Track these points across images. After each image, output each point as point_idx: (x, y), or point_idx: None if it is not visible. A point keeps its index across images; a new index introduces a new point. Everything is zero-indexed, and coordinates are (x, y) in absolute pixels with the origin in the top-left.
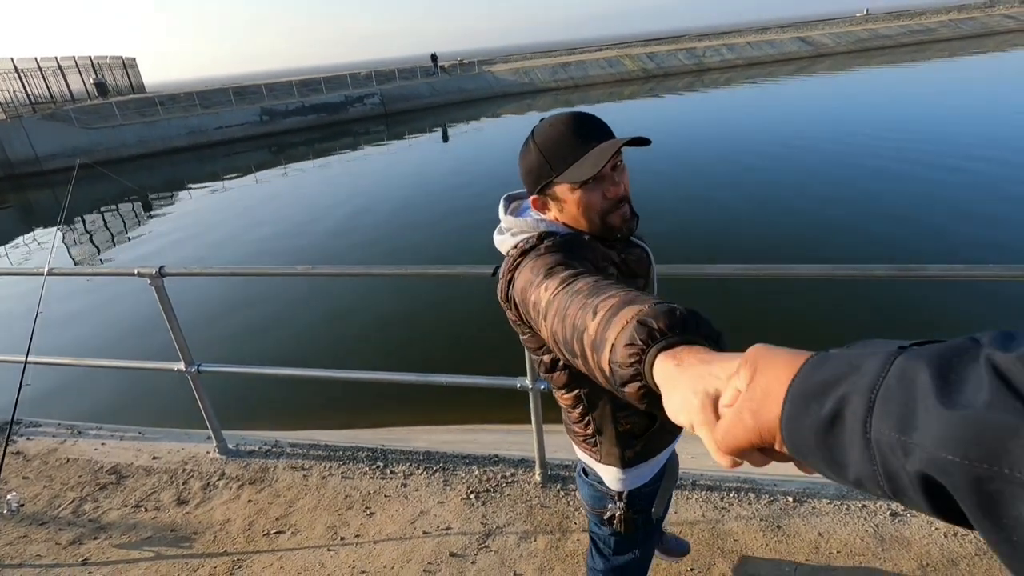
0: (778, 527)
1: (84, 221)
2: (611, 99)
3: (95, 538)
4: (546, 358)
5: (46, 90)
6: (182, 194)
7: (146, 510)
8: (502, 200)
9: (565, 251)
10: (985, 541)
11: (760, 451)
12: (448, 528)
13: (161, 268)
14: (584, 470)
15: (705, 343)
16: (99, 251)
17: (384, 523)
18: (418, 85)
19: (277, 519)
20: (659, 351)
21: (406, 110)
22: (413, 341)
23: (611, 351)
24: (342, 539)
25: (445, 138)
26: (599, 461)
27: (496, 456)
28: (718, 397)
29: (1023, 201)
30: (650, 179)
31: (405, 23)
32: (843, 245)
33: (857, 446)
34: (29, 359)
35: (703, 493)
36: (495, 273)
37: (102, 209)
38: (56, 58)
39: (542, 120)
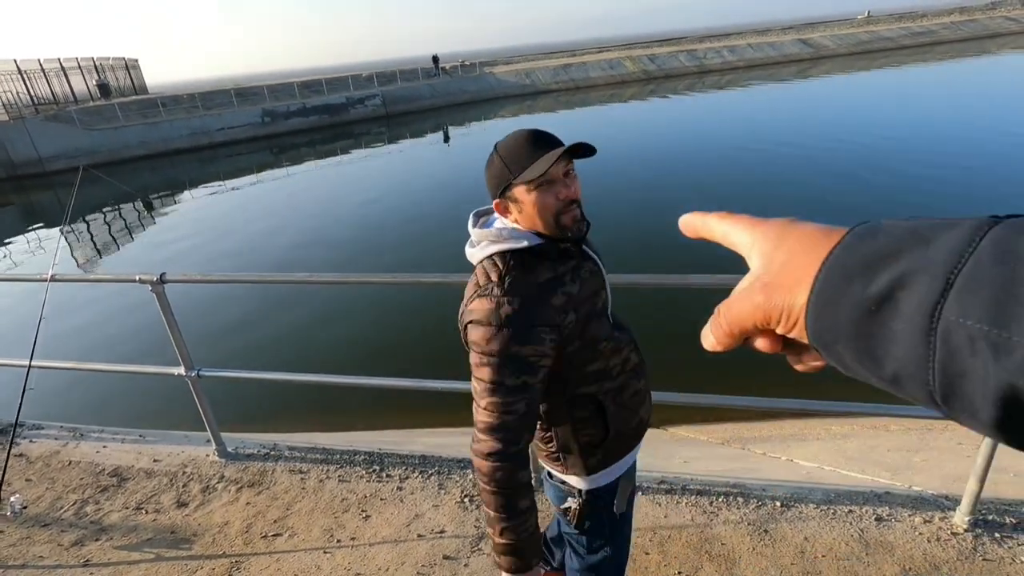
0: (765, 531)
1: (88, 223)
2: (612, 100)
3: (96, 540)
4: None
5: (49, 91)
6: (183, 195)
7: (146, 512)
8: (471, 215)
9: (519, 324)
10: None
11: (763, 336)
12: (442, 531)
13: (162, 275)
14: (549, 474)
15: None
16: (100, 255)
17: (380, 526)
18: (420, 86)
19: (275, 521)
20: None
21: (407, 111)
22: (410, 347)
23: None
24: (338, 541)
25: (446, 139)
26: (565, 472)
27: None
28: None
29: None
30: (638, 188)
31: (406, 24)
32: None
33: (910, 336)
34: (32, 363)
35: (692, 497)
36: None
37: (104, 210)
38: (59, 59)
39: (505, 136)
